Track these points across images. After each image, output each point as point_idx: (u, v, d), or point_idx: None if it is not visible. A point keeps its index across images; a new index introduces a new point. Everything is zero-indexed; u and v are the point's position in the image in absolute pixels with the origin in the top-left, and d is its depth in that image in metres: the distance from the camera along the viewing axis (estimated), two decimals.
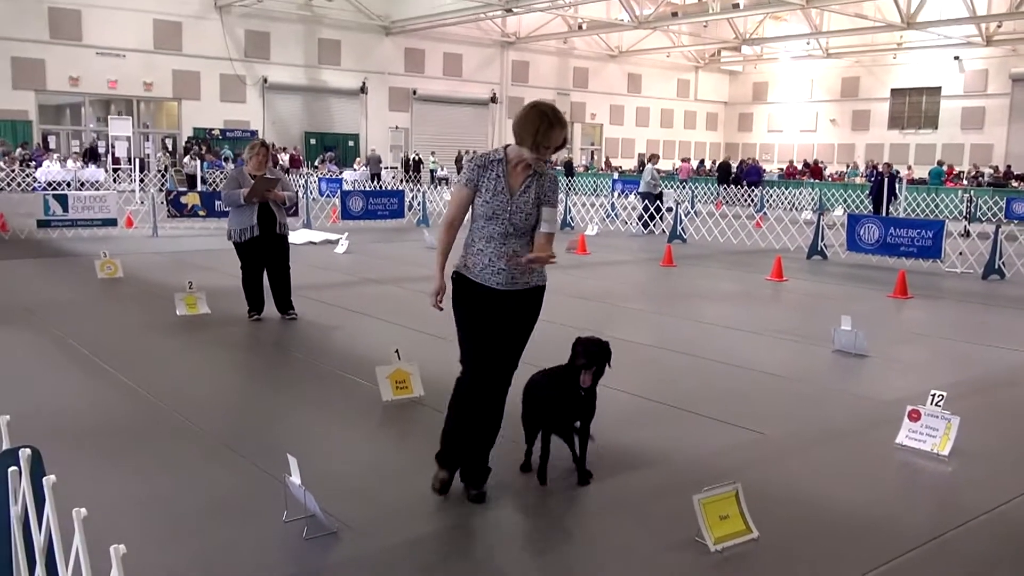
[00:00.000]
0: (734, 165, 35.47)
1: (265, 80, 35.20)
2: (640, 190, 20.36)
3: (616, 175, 36.38)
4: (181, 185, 26.83)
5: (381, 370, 5.77)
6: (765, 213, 23.19)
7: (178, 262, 12.69)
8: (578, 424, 4.37)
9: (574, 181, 35.29)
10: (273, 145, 32.80)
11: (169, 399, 5.72)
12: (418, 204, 20.43)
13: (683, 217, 17.97)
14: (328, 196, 24.78)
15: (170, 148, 33.48)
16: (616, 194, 28.39)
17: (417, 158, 37.58)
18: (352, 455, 4.89)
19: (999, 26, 35.20)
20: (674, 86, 47.87)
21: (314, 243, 15.38)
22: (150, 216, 16.43)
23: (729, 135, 49.79)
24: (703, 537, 3.66)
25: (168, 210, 17.42)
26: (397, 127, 38.88)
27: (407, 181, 33.82)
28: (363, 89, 37.62)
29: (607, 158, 43.61)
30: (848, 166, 36.96)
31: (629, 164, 42.85)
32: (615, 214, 21.53)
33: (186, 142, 33.45)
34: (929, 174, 31.09)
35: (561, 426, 4.38)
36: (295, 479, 3.73)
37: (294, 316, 8.48)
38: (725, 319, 9.03)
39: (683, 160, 39.18)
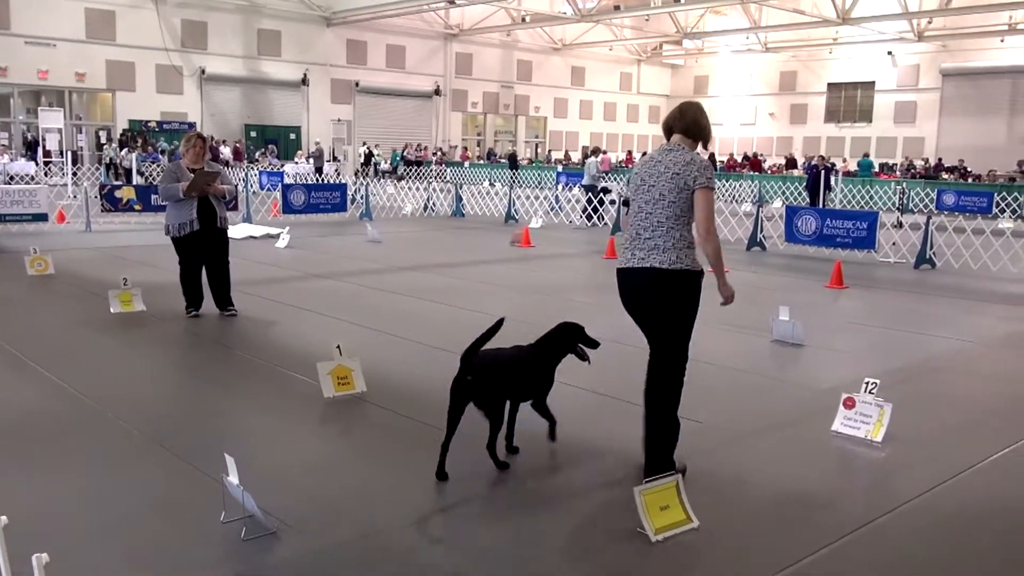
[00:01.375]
0: None
1: (203, 71, 34.46)
2: (583, 183, 20.50)
3: (560, 167, 36.53)
4: (112, 175, 26.13)
5: (322, 366, 5.70)
6: None
7: (112, 258, 12.37)
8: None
9: (518, 174, 35.32)
10: (212, 138, 32.22)
11: (101, 398, 5.57)
12: (361, 198, 20.23)
13: (623, 210, 18.10)
14: (269, 189, 24.39)
15: (104, 141, 32.58)
16: (560, 187, 28.50)
17: (368, 151, 37.25)
18: (292, 453, 4.82)
19: (930, 22, 36.19)
20: (617, 79, 48.21)
21: (255, 237, 15.13)
22: (83, 211, 15.98)
23: None
24: (644, 528, 3.69)
25: (102, 204, 16.95)
26: (340, 120, 38.44)
27: (363, 175, 33.49)
28: (304, 81, 37.10)
29: (567, 151, 43.58)
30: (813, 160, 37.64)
31: (574, 157, 43.03)
32: (559, 207, 21.62)
33: (121, 134, 32.58)
34: (858, 165, 31.84)
35: (528, 398, 4.64)
36: (233, 479, 3.66)
37: (233, 312, 8.33)
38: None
39: (603, 152, 39.39)
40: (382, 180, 32.04)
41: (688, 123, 4.30)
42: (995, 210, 24.66)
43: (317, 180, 26.17)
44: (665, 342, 4.30)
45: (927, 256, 13.38)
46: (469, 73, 42.29)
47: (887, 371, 6.67)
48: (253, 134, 36.50)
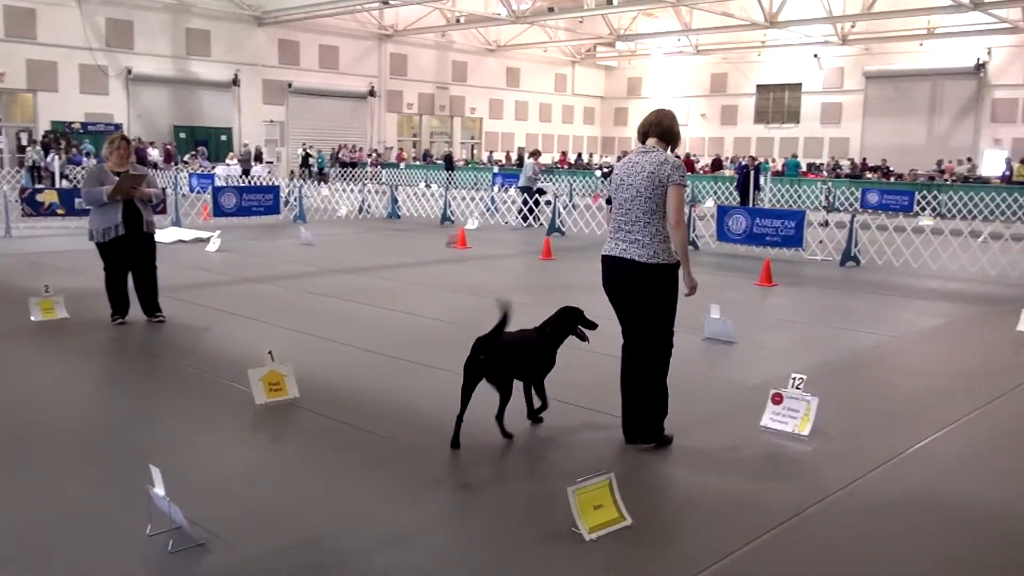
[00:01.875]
0: (612, 159, 36.24)
1: (129, 71, 33.52)
2: (520, 184, 20.54)
3: (496, 168, 36.59)
4: (35, 178, 25.26)
5: (254, 372, 5.60)
6: None
7: (34, 264, 11.96)
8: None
9: (454, 175, 35.27)
10: (139, 139, 31.39)
11: (20, 409, 5.38)
12: (295, 200, 19.95)
13: (561, 210, 18.24)
14: (199, 192, 23.88)
15: (25, 143, 31.44)
16: (496, 188, 28.55)
17: (306, 152, 36.72)
18: (223, 462, 4.73)
19: (853, 26, 37.26)
20: (552, 80, 48.49)
21: (184, 241, 14.80)
22: (3, 215, 15.41)
23: (606, 129, 50.85)
24: (578, 527, 3.72)
25: (23, 209, 16.38)
26: (272, 121, 37.84)
27: (300, 177, 32.99)
28: (235, 81, 36.39)
29: (508, 151, 43.48)
30: (730, 159, 38.36)
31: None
32: (495, 208, 21.65)
33: (43, 136, 31.50)
34: (786, 165, 32.59)
35: (533, 377, 5.07)
36: (159, 490, 3.57)
37: (161, 319, 8.13)
38: (602, 310, 9.20)
39: (531, 154, 39.67)
40: (317, 182, 31.66)
41: (664, 129, 4.83)
42: (916, 208, 25.53)
43: (244, 182, 25.72)
44: (652, 328, 4.83)
45: (852, 254, 13.77)
46: (404, 74, 42.06)
47: (814, 366, 6.85)
48: (182, 136, 35.67)
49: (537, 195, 19.86)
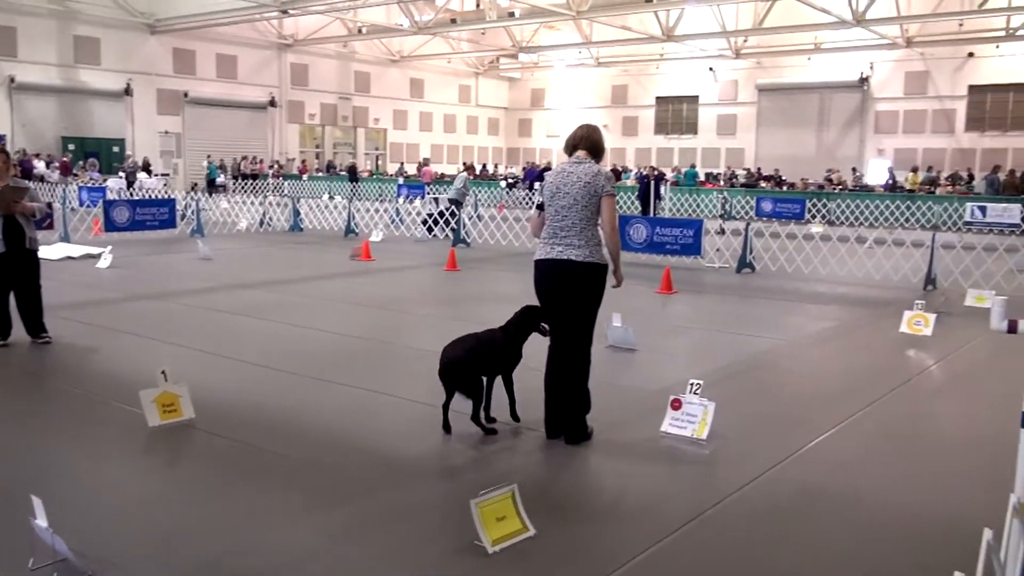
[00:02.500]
0: (517, 169, 36.50)
1: (12, 80, 31.93)
2: (450, 196, 20.28)
3: (401, 180, 36.36)
4: None
5: (146, 393, 5.40)
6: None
7: None
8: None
9: (358, 187, 34.89)
10: (24, 152, 29.94)
11: None
12: (192, 213, 19.36)
13: (467, 221, 18.25)
14: (90, 206, 22.91)
15: None
16: (401, 199, 28.38)
17: (210, 164, 35.67)
18: (113, 489, 4.53)
19: (745, 41, 38.62)
20: (456, 92, 48.54)
21: (73, 258, 14.16)
22: None
23: (510, 140, 51.20)
24: (481, 540, 3.72)
25: None
26: (167, 132, 36.64)
27: (204, 192, 32.02)
28: (128, 91, 35.09)
29: (418, 164, 43.02)
30: (623, 169, 39.08)
31: (410, 169, 42.97)
32: (400, 220, 21.51)
33: None
34: (684, 175, 33.45)
35: (501, 373, 5.36)
36: (41, 521, 3.40)
37: (47, 339, 7.76)
38: (505, 320, 9.25)
39: (424, 164, 39.84)
40: (215, 195, 30.83)
41: (592, 142, 5.23)
42: (807, 216, 26.59)
43: (129, 195, 24.83)
44: (576, 324, 5.15)
45: (747, 261, 14.24)
46: (305, 84, 41.39)
47: (712, 371, 7.05)
48: (71, 147, 34.17)
49: (453, 207, 19.43)
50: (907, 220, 25.64)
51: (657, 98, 44.54)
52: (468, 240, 17.55)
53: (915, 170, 30.91)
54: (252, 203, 22.47)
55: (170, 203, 19.27)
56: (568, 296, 5.11)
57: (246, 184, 34.67)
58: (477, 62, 48.16)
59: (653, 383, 6.74)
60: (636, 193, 27.52)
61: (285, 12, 32.73)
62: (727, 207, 27.42)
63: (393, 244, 17.63)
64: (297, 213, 20.92)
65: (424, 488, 4.55)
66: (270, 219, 21.15)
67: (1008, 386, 6.65)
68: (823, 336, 9.20)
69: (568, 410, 5.20)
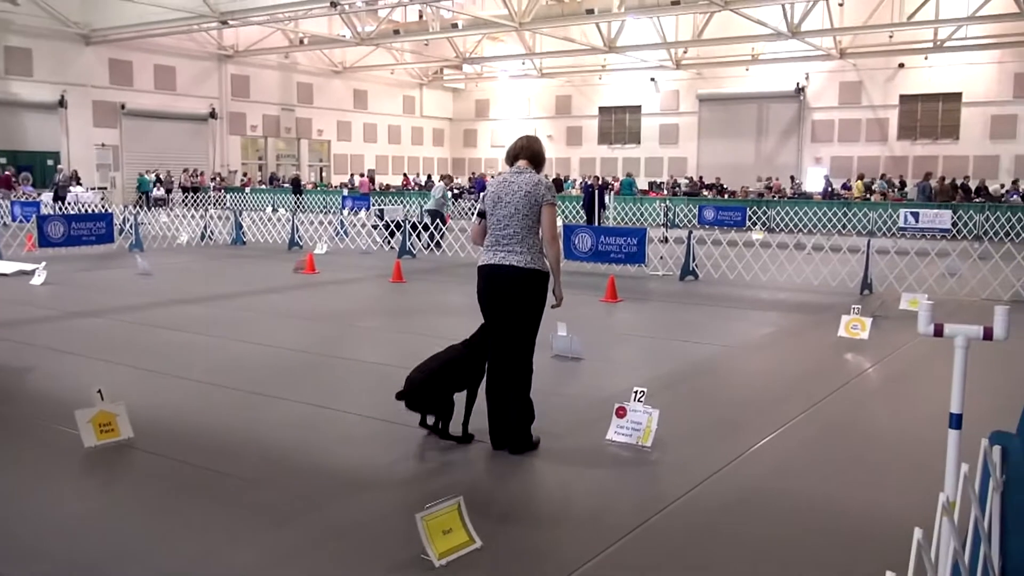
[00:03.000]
0: (463, 180, 36.52)
1: None
2: (428, 207, 20.01)
3: (346, 191, 36.10)
4: None
5: (81, 414, 5.26)
6: None
7: None
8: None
9: (302, 199, 34.53)
10: None
11: None
12: (130, 228, 18.95)
13: (412, 233, 18.19)
14: (23, 222, 22.27)
15: None
16: (346, 211, 28.16)
17: (157, 177, 34.93)
18: (45, 514, 4.40)
19: (685, 52, 39.29)
20: (400, 102, 48.41)
21: (5, 275, 13.75)
22: None
23: (455, 150, 51.23)
24: (428, 554, 3.70)
25: None
26: (104, 144, 35.83)
27: (143, 206, 31.36)
28: (62, 103, 34.25)
29: (364, 174, 42.70)
30: (565, 178, 39.34)
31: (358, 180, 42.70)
32: (345, 232, 21.35)
33: None
34: (621, 185, 33.87)
35: (466, 388, 5.48)
36: None
37: None
38: (453, 331, 9.22)
39: (361, 175, 39.81)
40: (155, 208, 30.24)
41: (532, 152, 5.34)
42: (748, 223, 27.09)
43: (56, 210, 24.22)
44: (517, 333, 5.20)
45: (691, 268, 14.45)
46: (247, 95, 40.87)
47: (656, 378, 7.13)
48: (3, 161, 33.19)
49: (436, 219, 19.07)
50: (843, 226, 26.29)
51: (600, 108, 45.01)
52: (414, 251, 17.49)
53: (861, 178, 31.65)
54: (193, 216, 22.08)
55: (107, 217, 18.84)
56: (509, 303, 5.16)
57: (187, 197, 34.05)
58: (421, 73, 48.11)
59: (598, 391, 6.78)
60: (581, 203, 27.72)
61: (225, 23, 32.31)
62: (670, 215, 27.79)
63: (338, 256, 17.48)
64: (239, 226, 20.62)
65: (369, 502, 4.51)
66: (211, 232, 20.81)
67: (939, 388, 6.85)
68: (764, 341, 9.38)
69: (511, 420, 5.23)
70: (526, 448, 5.26)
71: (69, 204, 28.60)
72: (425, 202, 21.22)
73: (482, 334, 5.40)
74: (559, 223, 22.93)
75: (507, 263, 5.12)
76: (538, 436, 5.37)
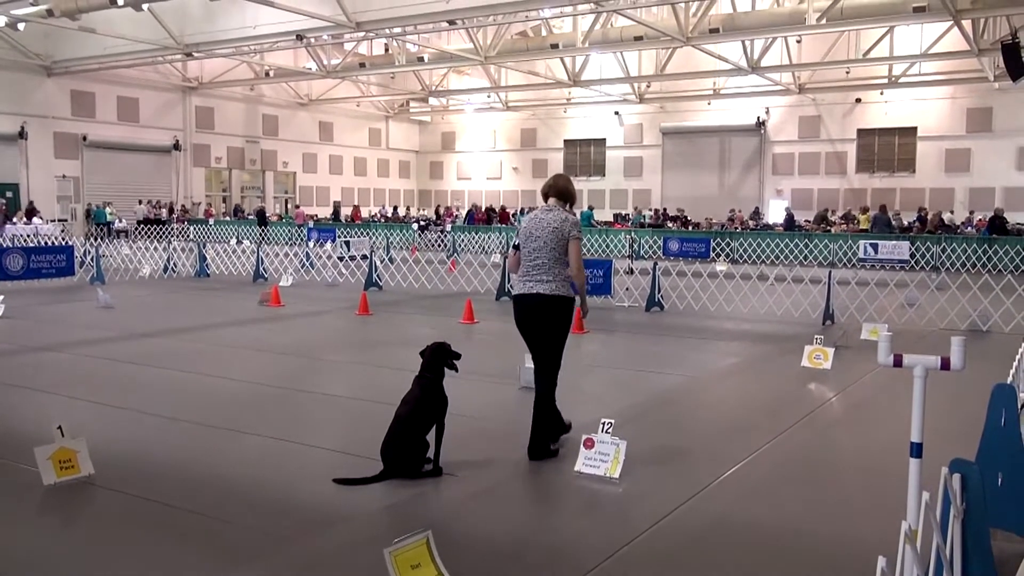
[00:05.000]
0: (431, 212, 36.50)
1: None
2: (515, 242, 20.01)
3: (312, 223, 35.95)
4: None
5: (41, 451, 5.15)
6: (456, 258, 24.13)
7: None
8: None
9: (267, 231, 34.31)
10: None
11: None
12: (91, 260, 18.69)
13: (379, 264, 18.16)
14: None
15: None
16: (312, 243, 28.04)
17: (97, 208, 34.48)
18: (2, 552, 4.29)
19: (648, 86, 39.89)
20: (366, 135, 48.48)
21: None
22: None
23: (422, 182, 51.33)
24: None
25: None
26: (65, 176, 35.39)
27: (100, 237, 30.91)
28: (22, 134, 33.82)
29: (356, 206, 42.50)
30: (514, 212, 39.45)
31: (324, 211, 42.60)
32: (311, 264, 21.24)
33: None
34: (580, 217, 34.14)
35: (435, 422, 5.48)
36: None
37: None
38: (418, 364, 9.20)
39: (296, 206, 39.95)
40: (116, 240, 29.87)
41: (559, 190, 5.91)
42: (712, 254, 27.42)
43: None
44: (546, 350, 5.85)
45: (656, 299, 14.57)
46: (211, 127, 40.68)
47: (624, 408, 7.17)
48: None
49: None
50: (805, 257, 26.71)
51: (565, 141, 45.46)
52: (380, 283, 17.45)
53: (865, 211, 31.81)
54: (156, 248, 21.85)
55: (68, 250, 18.58)
56: (538, 324, 5.80)
57: (149, 229, 33.67)
58: (387, 105, 48.28)
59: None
60: None
61: (189, 55, 32.23)
62: (635, 247, 28.03)
63: (304, 289, 17.37)
64: (203, 258, 20.43)
65: (336, 537, 4.47)
66: (175, 265, 20.59)
67: (899, 416, 6.96)
68: (729, 371, 9.47)
69: (534, 424, 5.79)
70: (543, 455, 5.72)
71: (19, 236, 28.09)
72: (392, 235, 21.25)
73: (432, 357, 5.55)
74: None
75: (535, 291, 5.75)
76: (558, 446, 5.93)
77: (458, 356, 5.70)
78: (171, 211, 37.40)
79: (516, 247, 5.95)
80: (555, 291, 5.72)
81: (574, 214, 5.95)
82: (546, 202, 5.96)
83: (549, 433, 5.87)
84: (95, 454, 5.38)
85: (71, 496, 5.04)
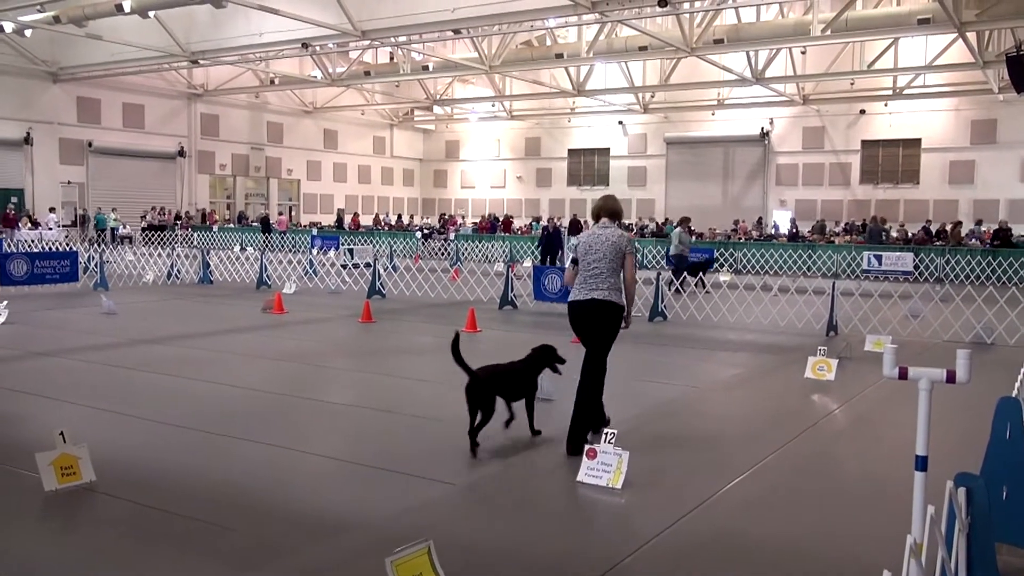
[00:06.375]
0: (435, 220, 36.49)
1: None
2: (672, 252, 20.68)
3: (315, 231, 35.99)
4: None
5: (42, 456, 5.15)
6: (460, 266, 24.13)
7: None
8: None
9: (271, 238, 34.37)
10: None
11: None
12: (95, 266, 18.72)
13: (381, 272, 18.16)
14: None
15: None
16: (315, 251, 28.07)
17: (99, 214, 34.54)
18: (3, 558, 4.28)
19: (652, 96, 39.95)
20: (370, 143, 48.58)
21: None
22: None
23: (426, 191, 51.40)
24: None
25: None
26: (70, 182, 35.50)
27: (98, 242, 31.00)
28: (28, 140, 33.94)
29: (355, 214, 42.56)
30: (530, 220, 39.54)
31: (328, 219, 42.65)
32: (314, 271, 21.25)
33: None
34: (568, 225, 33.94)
35: (520, 398, 6.56)
36: None
37: None
38: (421, 373, 9.20)
39: (280, 213, 40.05)
40: (120, 246, 29.93)
41: (609, 210, 6.61)
42: (716, 265, 27.38)
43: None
44: (597, 350, 6.48)
45: (660, 309, 14.55)
46: (216, 134, 40.79)
47: (627, 419, 7.14)
48: None
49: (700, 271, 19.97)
50: (808, 268, 26.68)
51: (569, 150, 45.51)
52: (384, 291, 17.46)
53: (837, 223, 31.97)
54: (160, 255, 21.87)
55: (72, 255, 18.61)
56: (592, 326, 6.43)
57: (153, 236, 33.75)
58: (391, 113, 48.39)
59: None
60: (536, 244, 27.62)
61: (195, 62, 32.36)
62: (639, 257, 28.01)
63: (307, 296, 17.38)
64: (207, 265, 20.46)
65: (338, 546, 4.45)
66: (179, 271, 20.62)
67: (904, 429, 6.93)
68: (733, 382, 9.44)
69: (575, 417, 6.29)
70: (581, 450, 5.78)
71: (33, 241, 28.24)
72: (395, 243, 21.27)
73: (539, 355, 6.55)
74: (529, 265, 22.96)
75: (591, 297, 6.39)
76: (591, 442, 5.98)
77: (563, 361, 6.61)
78: (177, 218, 37.52)
79: (574, 262, 6.58)
80: (608, 297, 6.35)
81: (628, 233, 6.77)
82: (598, 221, 6.61)
83: (590, 425, 6.36)
84: (97, 461, 5.37)
85: (72, 502, 5.03)
